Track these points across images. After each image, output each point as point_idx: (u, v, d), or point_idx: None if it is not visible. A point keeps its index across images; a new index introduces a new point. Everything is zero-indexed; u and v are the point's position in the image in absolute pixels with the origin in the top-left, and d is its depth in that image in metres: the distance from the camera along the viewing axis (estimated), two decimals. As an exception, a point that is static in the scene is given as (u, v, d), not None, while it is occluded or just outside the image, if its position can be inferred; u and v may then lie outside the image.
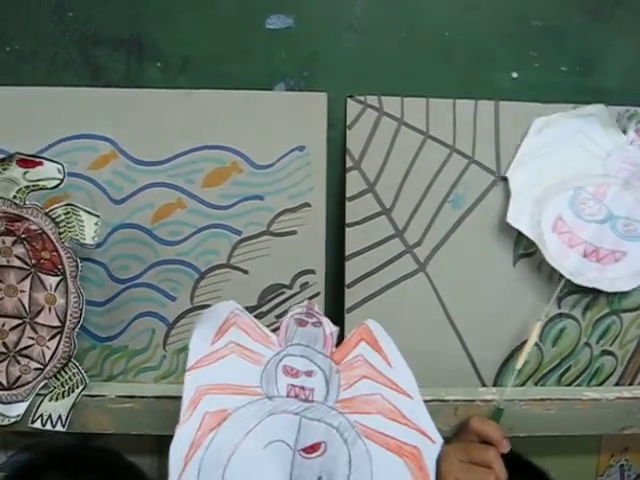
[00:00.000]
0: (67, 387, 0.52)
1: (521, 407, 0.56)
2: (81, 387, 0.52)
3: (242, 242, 0.56)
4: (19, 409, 0.52)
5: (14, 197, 0.50)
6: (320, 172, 0.56)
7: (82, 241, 0.51)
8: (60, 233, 0.51)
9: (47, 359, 0.52)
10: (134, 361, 0.57)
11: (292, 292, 0.57)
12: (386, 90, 0.56)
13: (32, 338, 0.52)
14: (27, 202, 0.50)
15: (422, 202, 0.56)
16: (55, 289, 0.51)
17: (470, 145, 0.57)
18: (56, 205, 0.51)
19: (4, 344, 0.52)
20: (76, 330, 0.51)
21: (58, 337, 0.52)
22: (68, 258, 0.51)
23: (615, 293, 0.58)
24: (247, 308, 0.56)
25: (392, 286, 0.57)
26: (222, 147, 0.56)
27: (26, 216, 0.50)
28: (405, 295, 0.57)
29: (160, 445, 0.66)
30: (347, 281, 0.57)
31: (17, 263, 0.51)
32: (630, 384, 0.60)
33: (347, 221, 0.56)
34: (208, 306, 0.55)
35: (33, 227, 0.50)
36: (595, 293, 0.58)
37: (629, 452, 0.69)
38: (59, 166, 0.50)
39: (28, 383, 0.52)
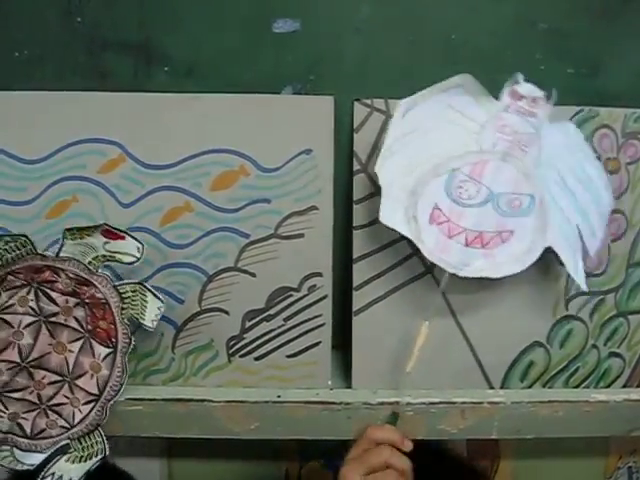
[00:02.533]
0: (87, 453, 0.52)
1: (529, 409, 0.56)
2: (100, 456, 0.52)
3: (250, 245, 0.56)
4: (35, 459, 0.52)
5: (89, 263, 0.51)
6: (327, 175, 0.56)
7: (141, 321, 0.52)
8: (123, 308, 0.52)
9: (76, 421, 0.52)
10: (143, 364, 0.57)
11: (300, 295, 0.57)
12: (393, 93, 0.56)
13: (67, 397, 0.53)
14: (99, 270, 0.51)
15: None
16: (103, 359, 0.52)
17: (476, 147, 0.56)
18: (127, 281, 0.52)
19: (38, 395, 0.53)
20: (111, 402, 0.52)
21: (92, 404, 0.52)
22: (124, 334, 0.52)
23: (623, 294, 0.58)
24: (255, 311, 0.57)
25: (400, 288, 0.57)
26: (229, 151, 0.56)
27: (95, 283, 0.51)
28: (413, 298, 0.57)
29: (170, 448, 0.67)
30: (355, 284, 0.57)
31: (73, 324, 0.52)
32: (638, 386, 0.60)
33: (354, 224, 0.56)
34: (216, 309, 0.57)
35: (99, 295, 0.51)
36: (603, 295, 0.58)
37: (637, 454, 0.69)
38: (139, 245, 0.52)
39: (51, 437, 0.53)
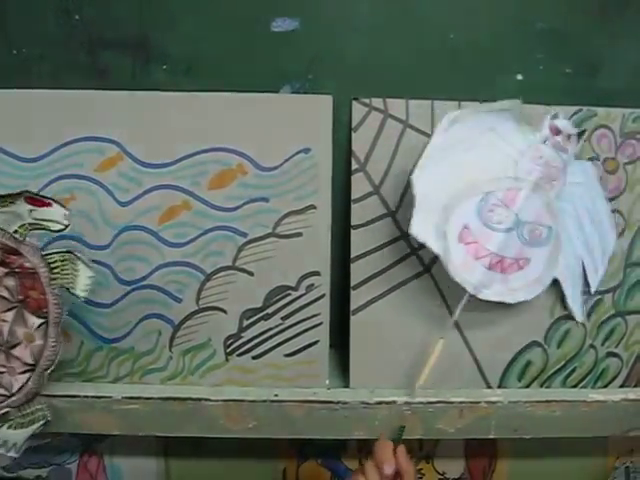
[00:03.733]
0: (27, 419, 0.52)
1: (526, 409, 0.56)
2: (42, 422, 0.52)
3: (248, 244, 0.56)
4: None
5: (15, 231, 0.50)
6: (325, 174, 0.56)
7: (72, 291, 0.51)
8: (52, 278, 0.50)
9: (14, 390, 0.52)
10: (140, 362, 0.57)
11: (298, 294, 0.57)
12: (391, 92, 0.56)
13: (4, 366, 0.52)
14: (27, 239, 0.50)
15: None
16: (35, 329, 0.51)
17: (475, 147, 0.57)
18: (55, 250, 0.51)
19: None
20: (48, 371, 0.51)
21: (29, 374, 0.52)
22: (55, 304, 0.51)
23: (621, 294, 0.58)
24: (252, 310, 0.57)
25: (397, 288, 0.57)
26: (228, 149, 0.56)
27: (23, 253, 0.50)
28: (411, 297, 0.57)
29: (167, 447, 0.66)
30: (352, 283, 0.57)
31: (5, 294, 0.51)
32: (635, 386, 0.60)
33: (352, 223, 0.56)
34: (214, 308, 0.57)
35: (27, 265, 0.50)
36: (600, 295, 0.58)
37: (635, 454, 0.69)
38: (66, 212, 0.50)
39: None
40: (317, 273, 0.57)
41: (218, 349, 0.57)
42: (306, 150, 0.56)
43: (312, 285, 0.57)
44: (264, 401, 0.55)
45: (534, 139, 0.55)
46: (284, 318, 0.57)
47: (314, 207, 0.56)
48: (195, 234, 0.56)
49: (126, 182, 0.56)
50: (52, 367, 0.51)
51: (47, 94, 0.56)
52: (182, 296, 0.56)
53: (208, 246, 0.56)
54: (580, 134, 0.56)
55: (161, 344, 0.57)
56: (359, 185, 0.56)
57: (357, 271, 0.57)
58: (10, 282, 0.51)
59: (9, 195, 0.50)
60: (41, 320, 0.51)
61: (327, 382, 0.58)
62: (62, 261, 0.50)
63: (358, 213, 0.56)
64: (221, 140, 0.56)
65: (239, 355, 0.57)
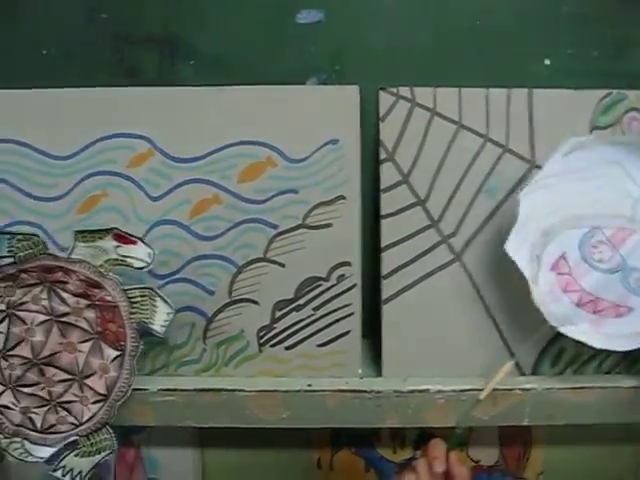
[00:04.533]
0: (95, 448, 0.54)
1: (560, 395, 0.56)
2: (108, 451, 0.54)
3: (278, 236, 0.57)
4: (45, 453, 0.54)
5: (100, 266, 0.52)
6: (354, 164, 0.56)
7: (150, 326, 0.52)
8: (131, 312, 0.52)
9: (84, 419, 0.54)
10: (175, 355, 0.58)
11: (329, 284, 0.57)
12: (418, 81, 0.56)
13: (76, 395, 0.54)
14: (110, 274, 0.52)
15: (457, 192, 0.56)
16: (111, 361, 0.53)
17: (504, 134, 0.56)
18: (136, 286, 0.53)
19: (49, 392, 0.54)
20: (119, 402, 0.53)
21: (101, 404, 0.53)
22: (132, 338, 0.52)
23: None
24: (284, 301, 0.57)
25: (428, 276, 0.57)
26: (256, 142, 0.56)
27: (106, 286, 0.52)
28: (441, 285, 0.57)
29: (202, 438, 0.67)
30: (383, 272, 0.57)
31: (84, 325, 0.53)
32: (671, 371, 0.59)
33: (382, 212, 0.57)
34: (246, 300, 0.57)
35: (108, 298, 0.52)
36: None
37: (670, 440, 0.68)
38: (150, 251, 0.52)
39: (60, 433, 0.54)
40: (348, 263, 0.57)
41: (251, 340, 0.58)
42: (334, 141, 0.56)
43: (343, 275, 0.57)
44: (297, 391, 0.56)
45: None
46: (316, 309, 0.57)
47: (343, 198, 0.56)
48: (226, 227, 0.57)
49: (157, 177, 0.57)
50: (124, 398, 0.53)
51: (77, 93, 0.57)
52: (214, 289, 0.57)
53: (239, 238, 0.57)
54: None
55: (195, 336, 0.58)
56: (388, 174, 0.56)
57: (388, 260, 0.57)
58: (90, 314, 0.53)
59: (99, 230, 0.52)
60: (117, 352, 0.53)
61: (360, 371, 0.58)
62: (142, 296, 0.52)
63: (387, 202, 0.56)
64: (249, 133, 0.56)
65: (272, 346, 0.58)
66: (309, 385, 0.56)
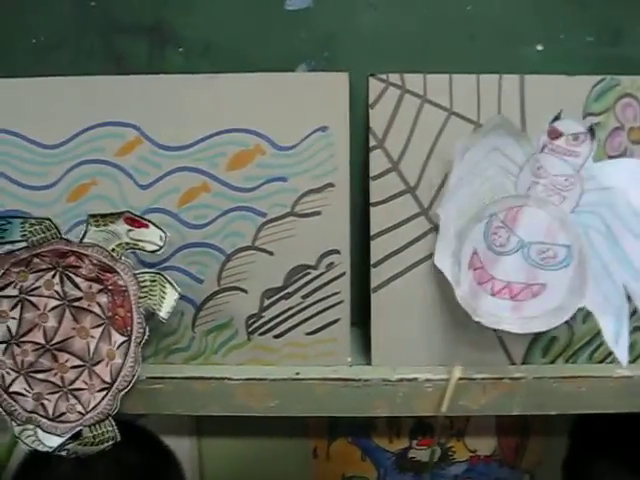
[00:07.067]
0: (97, 440, 0.53)
1: (551, 384, 0.55)
2: (111, 442, 0.53)
3: (267, 224, 0.56)
4: (54, 442, 0.53)
5: (112, 250, 0.52)
6: (343, 152, 0.56)
7: (157, 312, 0.52)
8: (140, 297, 0.52)
9: (89, 408, 0.53)
10: (164, 343, 0.58)
11: (318, 272, 0.57)
12: (408, 67, 0.55)
13: (86, 383, 0.53)
14: (122, 258, 0.52)
15: (447, 180, 0.56)
16: (118, 347, 0.53)
17: (495, 121, 0.56)
18: (147, 270, 0.52)
19: (62, 378, 0.53)
20: (122, 393, 0.53)
21: (105, 392, 0.53)
22: (138, 323, 0.52)
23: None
24: (273, 289, 0.57)
25: (418, 265, 0.56)
26: (245, 130, 0.56)
27: (118, 270, 0.52)
28: (431, 273, 0.56)
29: (199, 426, 0.68)
30: (373, 260, 0.56)
31: (96, 310, 0.53)
32: (664, 361, 0.59)
33: (371, 200, 0.56)
34: (235, 288, 0.57)
35: (120, 282, 0.52)
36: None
37: (663, 431, 0.68)
38: (162, 234, 0.52)
39: (69, 422, 0.54)
40: (337, 251, 0.57)
41: (240, 329, 0.57)
42: (323, 128, 0.56)
43: (332, 263, 0.57)
44: (285, 379, 0.56)
45: (531, 149, 0.51)
46: (305, 297, 0.57)
47: (332, 185, 0.56)
48: (215, 215, 0.57)
49: (146, 165, 0.56)
50: (128, 388, 0.52)
51: (65, 81, 0.56)
52: (203, 277, 0.57)
53: (228, 226, 0.57)
54: (591, 131, 0.50)
55: (184, 324, 0.58)
56: (377, 162, 0.56)
57: (377, 248, 0.56)
58: (103, 299, 0.53)
59: (110, 214, 0.51)
60: (124, 338, 0.52)
61: (349, 360, 0.58)
62: (152, 281, 0.52)
63: (377, 190, 0.56)
64: (238, 121, 0.56)
65: (261, 334, 0.58)
66: (297, 373, 0.56)
